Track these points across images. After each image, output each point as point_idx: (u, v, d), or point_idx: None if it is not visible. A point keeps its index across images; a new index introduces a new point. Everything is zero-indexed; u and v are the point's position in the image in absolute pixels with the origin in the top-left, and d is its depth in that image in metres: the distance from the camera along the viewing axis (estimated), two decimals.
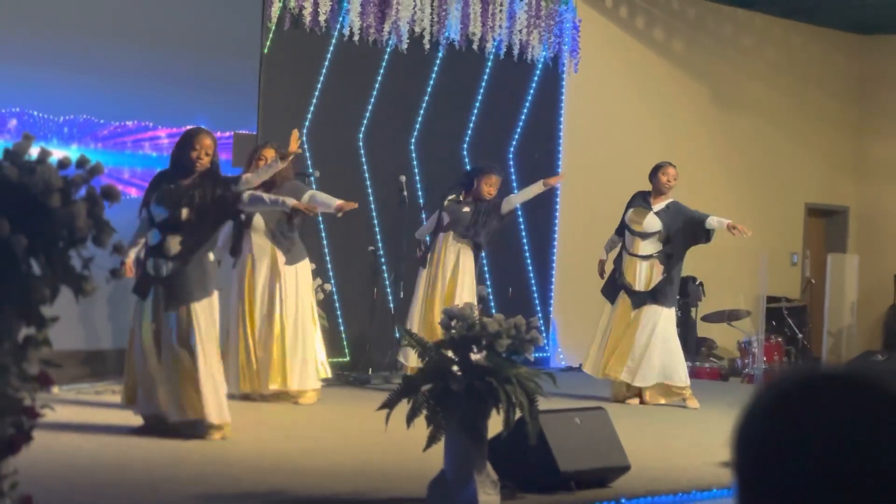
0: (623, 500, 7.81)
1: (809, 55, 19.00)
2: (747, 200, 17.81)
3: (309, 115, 13.72)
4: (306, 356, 11.15)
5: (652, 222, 12.34)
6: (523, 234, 15.55)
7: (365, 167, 14.14)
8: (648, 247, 12.36)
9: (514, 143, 15.54)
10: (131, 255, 9.19)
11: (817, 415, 1.59)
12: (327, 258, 13.74)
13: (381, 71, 14.30)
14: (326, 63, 13.85)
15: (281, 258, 11.15)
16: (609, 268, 12.64)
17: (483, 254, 13.08)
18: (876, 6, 17.65)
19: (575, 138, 16.21)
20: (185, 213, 9.01)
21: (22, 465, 5.05)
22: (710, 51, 17.86)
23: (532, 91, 15.71)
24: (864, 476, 1.54)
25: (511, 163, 15.40)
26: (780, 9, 18.19)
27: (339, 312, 13.85)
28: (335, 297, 13.77)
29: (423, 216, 13.90)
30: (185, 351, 8.91)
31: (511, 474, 7.55)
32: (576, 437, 7.95)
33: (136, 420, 9.25)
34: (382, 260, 14.10)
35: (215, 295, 9.16)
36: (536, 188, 12.71)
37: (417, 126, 14.69)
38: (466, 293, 12.27)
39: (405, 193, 13.22)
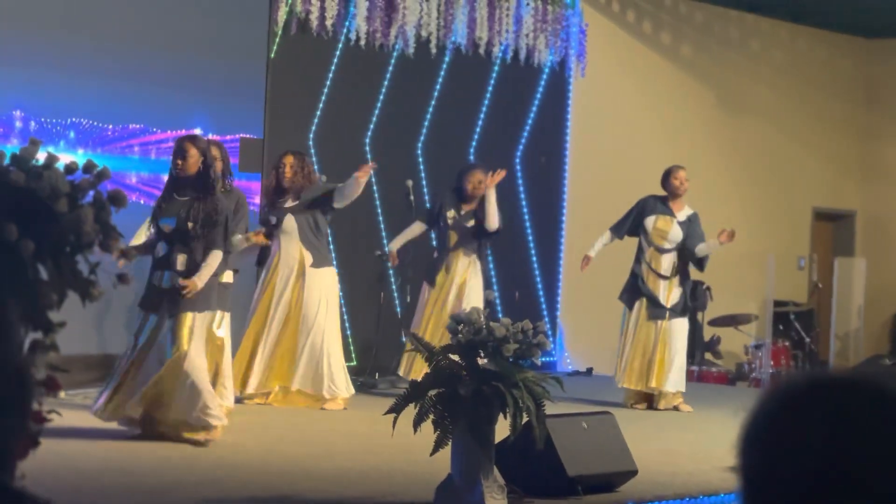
0: None
1: (816, 59, 18.98)
2: (754, 204, 17.80)
3: (315, 120, 13.73)
4: (332, 360, 11.22)
5: (676, 233, 12.23)
6: (530, 238, 15.54)
7: (372, 171, 14.13)
8: (667, 262, 12.25)
9: (521, 147, 15.54)
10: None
11: (825, 419, 1.58)
12: (334, 262, 13.73)
13: (388, 75, 14.30)
14: (333, 67, 13.86)
15: (308, 259, 11.28)
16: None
17: (490, 257, 13.03)
18: (883, 10, 17.64)
19: (582, 142, 16.20)
20: (190, 225, 9.00)
21: (29, 470, 5.05)
22: (716, 55, 17.85)
23: (539, 95, 15.71)
24: (870, 480, 1.54)
25: (518, 167, 15.40)
26: (786, 13, 18.18)
27: (345, 317, 13.83)
28: (341, 301, 13.76)
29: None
30: (175, 352, 8.83)
31: (518, 479, 7.55)
32: (583, 441, 7.95)
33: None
34: (389, 264, 14.09)
35: (222, 315, 9.15)
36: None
37: (424, 130, 14.69)
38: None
39: (412, 198, 13.22)
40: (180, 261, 8.98)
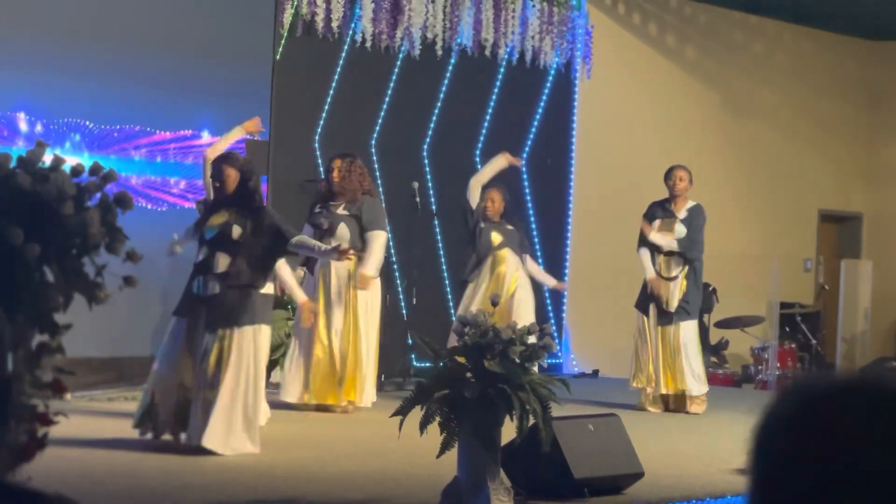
0: None
1: (821, 61, 18.97)
2: (760, 206, 17.79)
3: (321, 122, 13.72)
4: (367, 371, 11.14)
5: (681, 232, 12.20)
6: (536, 239, 15.53)
7: (377, 173, 14.13)
8: (673, 265, 12.23)
9: (527, 149, 15.53)
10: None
11: (837, 422, 1.58)
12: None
13: (394, 77, 14.30)
14: (339, 69, 13.86)
15: (357, 267, 11.04)
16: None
17: None
18: (888, 13, 17.62)
19: (587, 144, 16.20)
20: (236, 230, 8.81)
21: (35, 473, 5.05)
22: (721, 57, 17.84)
23: (544, 97, 15.71)
24: (883, 484, 1.54)
25: (524, 169, 15.38)
26: (791, 15, 18.18)
27: None
28: None
29: (436, 222, 13.91)
30: (212, 376, 8.62)
31: (524, 481, 7.54)
32: (589, 443, 7.94)
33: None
34: (395, 266, 14.09)
35: (264, 329, 8.87)
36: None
37: (430, 132, 14.69)
38: (524, 310, 12.15)
39: (418, 200, 13.22)
40: (222, 263, 8.76)
